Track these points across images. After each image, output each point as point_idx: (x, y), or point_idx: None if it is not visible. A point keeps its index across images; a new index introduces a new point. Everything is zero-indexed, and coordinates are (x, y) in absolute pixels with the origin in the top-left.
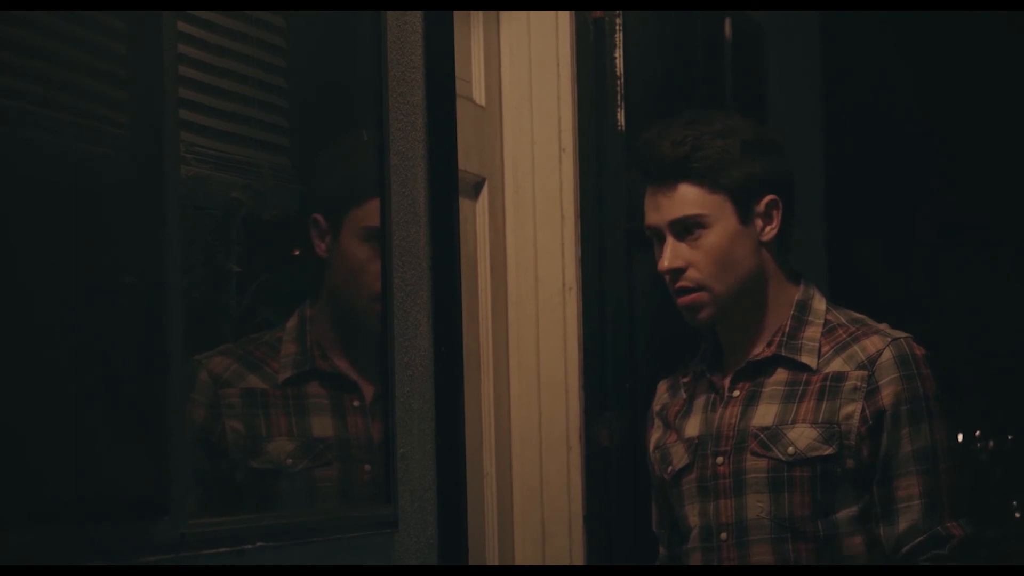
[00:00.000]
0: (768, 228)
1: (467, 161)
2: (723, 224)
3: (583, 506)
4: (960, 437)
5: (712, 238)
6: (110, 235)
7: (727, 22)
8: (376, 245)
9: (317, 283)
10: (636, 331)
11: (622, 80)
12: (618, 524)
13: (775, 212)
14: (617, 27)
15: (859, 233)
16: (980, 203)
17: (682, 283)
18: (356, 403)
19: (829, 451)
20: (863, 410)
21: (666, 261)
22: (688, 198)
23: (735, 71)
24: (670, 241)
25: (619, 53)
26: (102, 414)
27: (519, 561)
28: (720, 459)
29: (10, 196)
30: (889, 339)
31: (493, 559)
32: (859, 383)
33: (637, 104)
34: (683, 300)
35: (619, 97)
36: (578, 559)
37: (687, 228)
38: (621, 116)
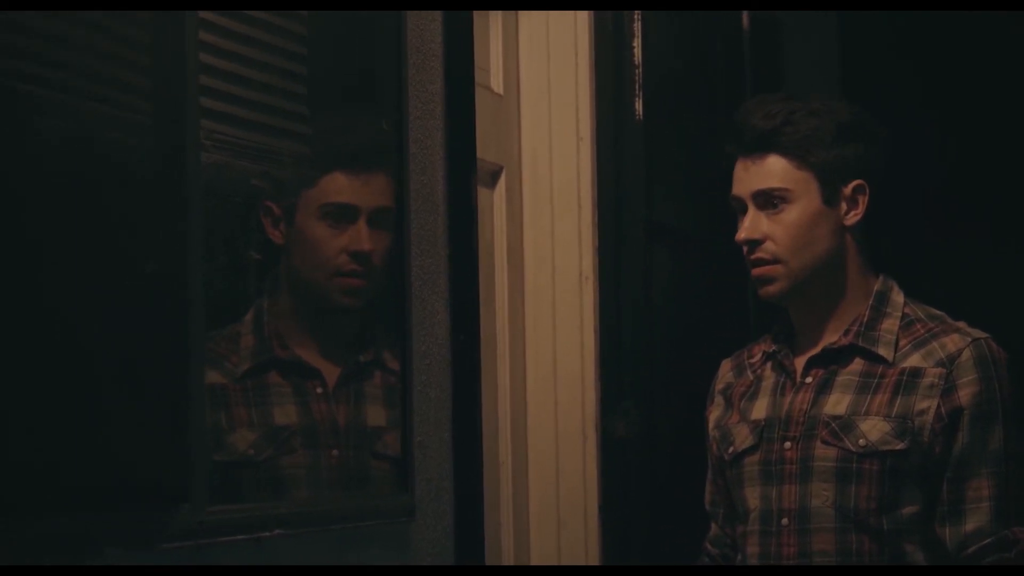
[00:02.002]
0: (852, 213)
1: (485, 150)
2: (806, 201)
3: (599, 496)
4: None
5: (793, 214)
6: (131, 222)
7: (745, 13)
8: (334, 222)
9: (274, 273)
10: (653, 321)
11: (640, 69)
12: (634, 514)
13: (861, 198)
14: (636, 17)
15: (880, 226)
16: (1005, 194)
17: (758, 255)
18: (319, 390)
19: (901, 446)
20: (938, 407)
21: (744, 232)
22: (774, 171)
23: (753, 61)
24: (751, 212)
25: (637, 42)
26: (121, 402)
27: (535, 550)
28: (788, 444)
29: (31, 183)
30: (970, 339)
31: (509, 549)
32: (936, 380)
33: (655, 93)
34: (756, 271)
35: (637, 86)
36: (594, 549)
37: (769, 201)
38: (639, 105)
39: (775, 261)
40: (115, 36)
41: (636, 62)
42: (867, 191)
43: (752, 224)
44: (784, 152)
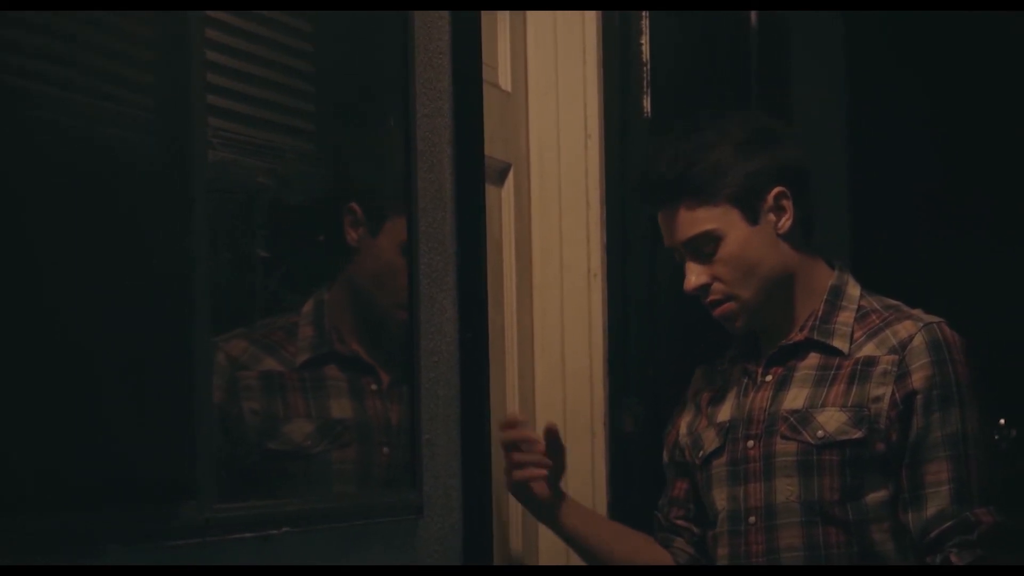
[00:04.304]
0: (783, 220)
1: (492, 147)
2: (734, 232)
3: (607, 492)
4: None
5: (727, 249)
6: (136, 219)
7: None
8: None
9: (338, 269)
10: (661, 318)
11: (648, 66)
12: (642, 510)
13: (785, 202)
14: (643, 14)
15: (883, 223)
16: (1004, 192)
17: (711, 297)
18: (373, 387)
19: (858, 435)
20: (893, 394)
21: (690, 283)
22: (693, 218)
23: (760, 58)
24: (689, 261)
25: (645, 39)
26: (128, 398)
27: (543, 548)
28: (751, 443)
29: (36, 180)
30: (921, 324)
31: (517, 546)
32: (889, 367)
33: (663, 90)
34: (716, 313)
35: (645, 83)
36: None
37: (701, 246)
38: (647, 102)
39: (729, 299)
40: (120, 32)
41: (644, 59)
42: (789, 194)
43: (695, 272)
44: (695, 197)
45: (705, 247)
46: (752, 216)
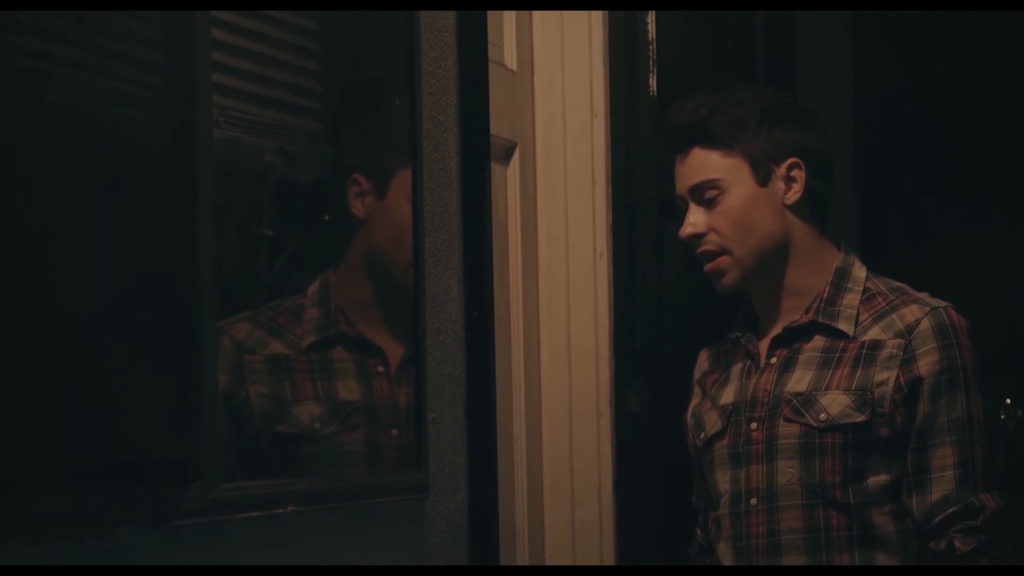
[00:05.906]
0: (792, 191)
1: (498, 126)
2: (740, 187)
3: (612, 473)
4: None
5: (730, 201)
6: (142, 199)
7: None
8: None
9: (343, 248)
10: (667, 298)
11: (654, 45)
12: (647, 491)
13: (797, 173)
14: None
15: (889, 205)
16: (1011, 175)
17: (704, 248)
18: (380, 368)
19: (861, 418)
20: (898, 378)
21: (687, 228)
22: (704, 163)
23: (767, 37)
24: (691, 208)
25: (651, 18)
26: (134, 380)
27: (548, 528)
28: (754, 425)
29: (41, 160)
30: (928, 308)
31: (522, 526)
32: (895, 351)
33: (669, 69)
34: (707, 266)
35: (651, 62)
36: (607, 526)
37: (705, 193)
38: (653, 81)
39: (722, 252)
40: (125, 12)
41: (650, 38)
42: (803, 167)
43: (693, 219)
44: (711, 143)
45: (709, 196)
46: (762, 177)
